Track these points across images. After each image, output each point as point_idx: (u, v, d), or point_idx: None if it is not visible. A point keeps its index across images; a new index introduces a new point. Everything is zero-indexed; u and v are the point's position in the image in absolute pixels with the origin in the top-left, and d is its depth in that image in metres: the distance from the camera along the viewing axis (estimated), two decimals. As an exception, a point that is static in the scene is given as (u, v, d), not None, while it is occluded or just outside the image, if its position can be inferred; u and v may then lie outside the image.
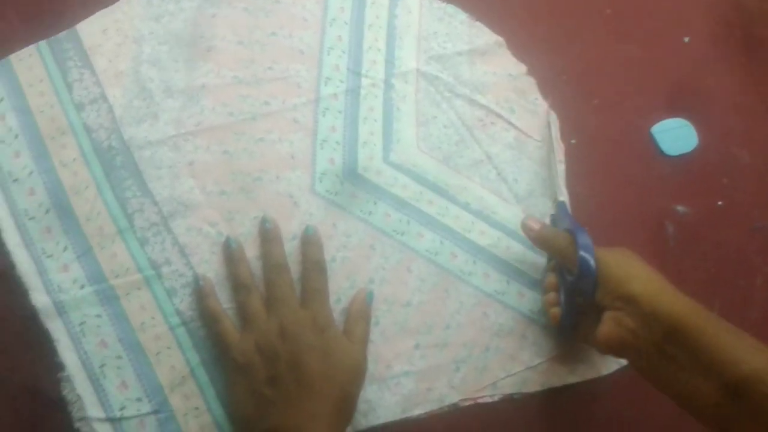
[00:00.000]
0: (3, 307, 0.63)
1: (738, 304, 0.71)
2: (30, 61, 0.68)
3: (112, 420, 0.60)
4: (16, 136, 0.66)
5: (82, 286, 0.63)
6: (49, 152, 0.66)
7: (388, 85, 0.73)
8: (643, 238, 0.72)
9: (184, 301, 0.64)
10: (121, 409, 0.61)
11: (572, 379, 0.68)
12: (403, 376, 0.65)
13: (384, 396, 0.64)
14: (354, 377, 0.61)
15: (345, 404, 0.60)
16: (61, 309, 0.62)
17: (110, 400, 0.61)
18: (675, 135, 0.75)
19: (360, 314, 0.64)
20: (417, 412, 0.65)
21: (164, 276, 0.64)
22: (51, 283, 0.62)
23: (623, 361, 0.68)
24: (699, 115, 0.76)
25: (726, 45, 0.79)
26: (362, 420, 0.64)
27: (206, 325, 0.63)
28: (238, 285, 0.64)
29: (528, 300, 0.69)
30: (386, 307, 0.66)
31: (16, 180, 0.65)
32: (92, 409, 0.60)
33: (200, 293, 0.64)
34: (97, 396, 0.61)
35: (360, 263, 0.67)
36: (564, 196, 0.70)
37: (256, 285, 0.64)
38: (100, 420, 0.60)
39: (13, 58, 0.68)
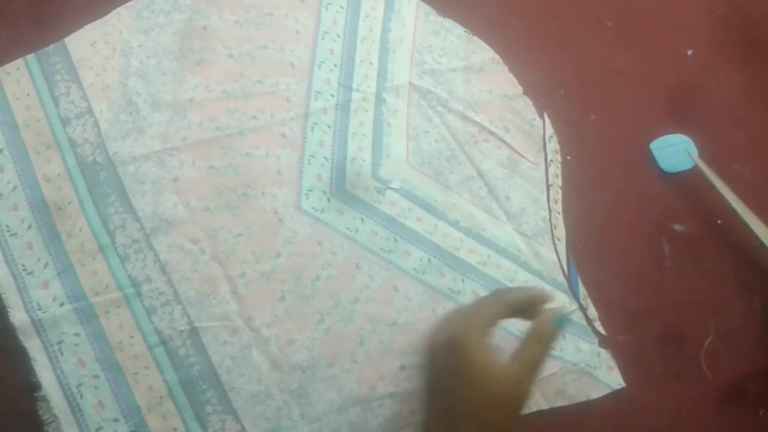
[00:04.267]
0: (2, 308, 0.62)
1: (734, 327, 0.69)
2: (17, 75, 0.68)
3: (88, 440, 0.60)
4: (1, 150, 0.65)
5: (62, 304, 0.62)
6: (33, 167, 0.65)
7: (380, 100, 0.72)
8: (639, 258, 0.70)
9: (163, 320, 0.63)
10: (98, 429, 0.60)
11: (560, 402, 0.66)
12: (388, 398, 0.64)
13: (367, 418, 0.63)
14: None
15: None
16: (39, 327, 0.61)
17: (87, 420, 0.60)
18: (674, 152, 0.73)
19: (537, 335, 0.54)
20: (401, 435, 0.64)
21: (144, 294, 0.63)
22: (30, 300, 0.62)
23: (615, 385, 0.66)
24: (699, 129, 0.74)
25: (729, 58, 0.77)
26: (345, 442, 0.63)
27: None
28: None
29: (517, 320, 0.67)
30: (371, 327, 0.65)
31: (-1, 195, 0.65)
32: (68, 429, 0.60)
33: None
34: (73, 416, 0.60)
35: (345, 282, 0.66)
36: (561, 233, 0.70)
37: None
38: (76, 440, 0.60)
39: (1, 71, 0.68)
